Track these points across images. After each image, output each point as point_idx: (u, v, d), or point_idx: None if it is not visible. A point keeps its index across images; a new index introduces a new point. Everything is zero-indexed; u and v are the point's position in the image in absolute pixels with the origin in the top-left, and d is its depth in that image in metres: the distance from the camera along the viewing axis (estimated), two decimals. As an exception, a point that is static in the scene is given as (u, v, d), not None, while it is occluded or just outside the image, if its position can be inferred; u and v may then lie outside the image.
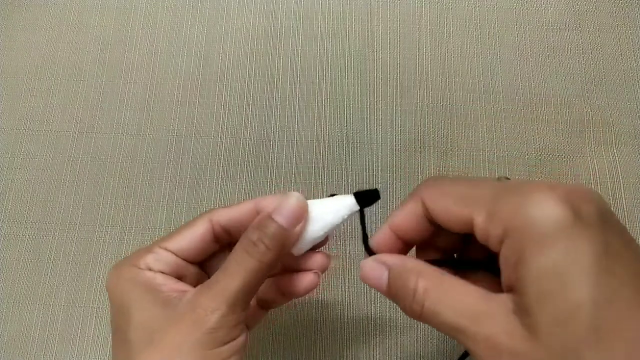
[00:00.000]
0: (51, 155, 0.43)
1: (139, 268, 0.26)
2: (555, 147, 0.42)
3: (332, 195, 0.28)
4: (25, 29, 0.47)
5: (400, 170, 0.42)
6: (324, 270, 0.29)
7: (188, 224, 0.28)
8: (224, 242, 0.29)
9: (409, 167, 0.42)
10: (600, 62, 0.44)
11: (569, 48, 0.45)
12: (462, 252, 0.27)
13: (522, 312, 0.18)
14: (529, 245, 0.18)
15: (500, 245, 0.20)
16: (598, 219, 0.18)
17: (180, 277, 0.27)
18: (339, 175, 0.42)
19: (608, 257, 0.17)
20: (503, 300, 0.19)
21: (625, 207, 0.40)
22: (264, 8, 0.47)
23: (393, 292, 0.23)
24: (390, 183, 0.42)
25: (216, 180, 0.42)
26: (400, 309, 0.23)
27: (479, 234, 0.21)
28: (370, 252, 0.26)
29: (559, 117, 0.43)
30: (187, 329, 0.23)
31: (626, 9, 0.46)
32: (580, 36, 0.45)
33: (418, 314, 0.21)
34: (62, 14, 0.48)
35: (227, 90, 0.45)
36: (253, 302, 0.30)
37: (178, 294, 0.25)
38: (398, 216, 0.25)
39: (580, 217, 0.18)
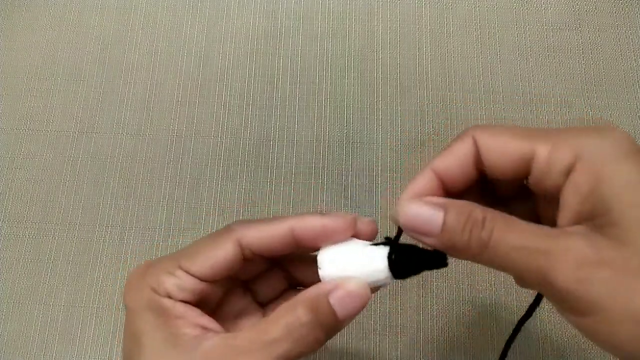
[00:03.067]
0: (51, 155, 0.43)
1: (158, 294, 0.23)
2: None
3: (386, 241, 0.23)
4: (25, 29, 0.47)
5: (400, 170, 0.42)
6: None
7: (213, 242, 0.24)
8: (254, 259, 0.25)
9: (409, 167, 0.42)
10: (600, 62, 0.44)
11: (569, 48, 0.45)
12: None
13: (607, 227, 0.18)
14: (608, 164, 0.19)
15: (566, 176, 0.20)
16: None
17: (201, 300, 0.24)
18: (339, 175, 0.42)
19: None
20: (577, 228, 0.19)
21: (625, 207, 0.40)
22: (264, 8, 0.47)
23: (454, 231, 0.20)
24: (390, 183, 0.42)
25: (216, 180, 0.42)
26: (457, 251, 0.21)
27: (541, 166, 0.20)
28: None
29: (559, 117, 0.43)
30: None
31: (626, 9, 0.46)
32: (580, 36, 0.45)
33: (485, 244, 0.20)
34: (62, 14, 0.48)
35: (227, 90, 0.45)
36: None
37: (197, 333, 0.22)
38: (444, 157, 0.23)
39: None
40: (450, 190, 0.23)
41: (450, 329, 0.38)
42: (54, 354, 0.39)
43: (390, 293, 0.39)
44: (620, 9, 0.46)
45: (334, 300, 0.22)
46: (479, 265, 0.21)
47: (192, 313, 0.23)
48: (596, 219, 0.19)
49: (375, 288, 0.24)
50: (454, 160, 0.22)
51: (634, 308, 0.17)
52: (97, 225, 0.41)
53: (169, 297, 0.23)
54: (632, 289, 0.17)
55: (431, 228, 0.21)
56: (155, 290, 0.23)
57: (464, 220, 0.20)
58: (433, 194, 0.23)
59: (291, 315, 0.21)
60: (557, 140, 0.20)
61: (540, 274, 0.19)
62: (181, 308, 0.23)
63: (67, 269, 0.40)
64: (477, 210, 0.20)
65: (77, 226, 0.41)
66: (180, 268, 0.23)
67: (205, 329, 0.22)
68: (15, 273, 0.40)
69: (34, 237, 0.41)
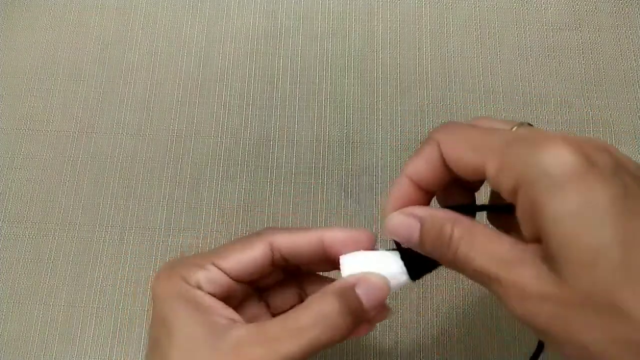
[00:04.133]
0: (51, 155, 0.43)
1: (189, 284, 0.24)
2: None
3: (396, 247, 0.25)
4: (25, 29, 0.47)
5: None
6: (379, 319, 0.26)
7: (245, 243, 0.26)
8: (279, 266, 0.27)
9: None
10: (600, 62, 0.44)
11: (569, 48, 0.45)
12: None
13: (549, 258, 0.18)
14: (543, 193, 0.18)
15: (515, 196, 0.20)
16: (614, 165, 0.18)
17: (227, 297, 0.25)
18: (339, 175, 0.42)
19: (628, 199, 0.17)
20: (533, 249, 0.19)
21: (625, 207, 0.40)
22: (264, 8, 0.47)
23: (427, 242, 0.22)
24: (391, 183, 0.42)
25: (216, 180, 0.42)
26: (438, 259, 0.23)
27: (492, 183, 0.21)
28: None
29: (559, 117, 0.43)
30: None
31: (626, 9, 0.46)
32: (580, 36, 0.45)
33: (451, 260, 0.21)
34: (62, 14, 0.48)
35: (227, 90, 0.45)
36: None
37: (227, 321, 0.23)
38: (414, 162, 0.24)
39: (595, 164, 0.18)
40: (430, 190, 0.24)
41: (450, 329, 0.38)
42: (54, 354, 0.39)
43: (391, 293, 0.39)
44: (620, 9, 0.46)
45: (360, 290, 0.24)
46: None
47: (219, 305, 0.24)
48: (543, 242, 0.19)
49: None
50: (424, 164, 0.23)
51: (577, 341, 0.17)
52: (97, 225, 0.41)
53: (199, 288, 0.24)
54: (576, 322, 0.17)
55: (411, 238, 0.23)
56: (186, 281, 0.24)
57: (435, 234, 0.22)
58: (412, 198, 0.24)
59: (322, 303, 0.23)
60: (504, 161, 0.20)
61: (498, 297, 0.20)
62: (210, 300, 0.24)
63: (67, 269, 0.40)
64: (447, 226, 0.21)
65: (77, 226, 0.41)
66: (213, 263, 0.25)
67: (232, 320, 0.23)
68: (15, 273, 0.40)
69: (34, 237, 0.41)
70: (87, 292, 0.40)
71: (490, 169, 0.20)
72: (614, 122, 0.43)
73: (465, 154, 0.22)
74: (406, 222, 0.23)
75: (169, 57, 0.46)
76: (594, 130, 0.42)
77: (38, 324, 0.39)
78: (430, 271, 0.25)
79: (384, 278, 0.24)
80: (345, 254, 0.25)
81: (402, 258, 0.25)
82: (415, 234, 0.23)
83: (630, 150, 0.42)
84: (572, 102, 0.43)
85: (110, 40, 0.47)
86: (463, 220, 0.22)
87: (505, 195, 0.20)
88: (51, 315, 0.39)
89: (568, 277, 0.17)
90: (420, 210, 0.23)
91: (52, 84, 0.46)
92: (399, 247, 0.25)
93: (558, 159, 0.18)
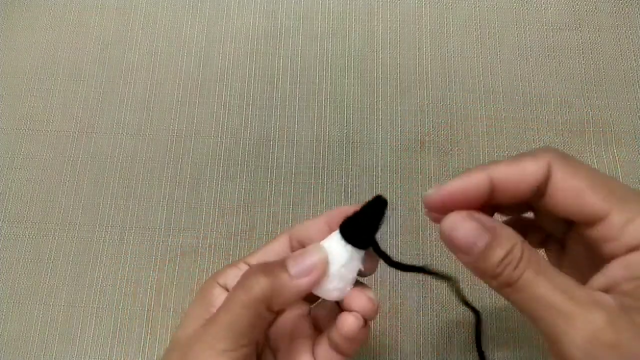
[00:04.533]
0: (51, 155, 0.43)
1: (217, 283, 0.26)
2: (555, 147, 0.42)
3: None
4: (25, 29, 0.47)
5: (400, 171, 0.42)
6: (367, 314, 0.25)
7: (271, 240, 0.28)
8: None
9: (409, 167, 0.42)
10: (600, 62, 0.44)
11: (569, 48, 0.45)
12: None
13: (636, 313, 0.18)
14: None
15: (626, 251, 0.19)
16: None
17: None
18: (339, 175, 0.42)
19: None
20: (606, 298, 0.19)
21: (625, 207, 0.40)
22: (264, 8, 0.47)
23: (492, 257, 0.20)
24: (390, 183, 0.42)
25: (216, 180, 0.42)
26: (482, 277, 0.21)
27: (609, 231, 0.20)
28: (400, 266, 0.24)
29: (559, 117, 0.43)
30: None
31: (626, 9, 0.46)
32: (580, 36, 0.45)
33: (512, 283, 0.20)
34: (62, 14, 0.48)
35: (227, 90, 0.45)
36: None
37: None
38: (510, 168, 0.22)
39: None
40: (497, 202, 0.22)
41: (450, 329, 0.38)
42: (54, 354, 0.39)
43: (391, 293, 0.39)
44: (620, 9, 0.46)
45: (289, 260, 0.24)
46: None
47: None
48: (630, 299, 0.18)
49: (361, 275, 0.25)
50: (519, 175, 0.21)
51: None
52: (97, 225, 0.41)
53: (225, 287, 0.26)
54: None
55: (471, 248, 0.21)
56: (217, 280, 0.26)
57: (504, 253, 0.20)
58: (476, 199, 0.22)
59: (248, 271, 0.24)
60: (637, 215, 0.19)
61: (553, 331, 0.19)
62: (222, 296, 0.25)
63: (67, 269, 0.40)
64: (518, 247, 0.20)
65: (77, 226, 0.41)
66: (243, 262, 0.27)
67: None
68: (15, 273, 0.40)
69: (34, 237, 0.41)
70: (87, 292, 0.40)
71: (617, 218, 0.20)
72: (614, 122, 0.43)
73: (587, 193, 0.20)
74: (475, 229, 0.21)
75: (169, 57, 0.46)
76: (594, 130, 0.42)
77: (38, 324, 0.39)
78: (370, 231, 0.24)
79: (317, 246, 0.24)
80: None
81: (341, 232, 0.24)
82: (481, 244, 0.20)
83: (630, 150, 0.42)
84: (572, 102, 0.43)
85: (110, 40, 0.47)
86: (529, 246, 0.20)
87: (618, 245, 0.19)
88: (51, 315, 0.39)
89: None
90: (490, 221, 0.21)
91: (52, 84, 0.46)
92: (340, 227, 0.24)
93: None
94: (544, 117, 0.43)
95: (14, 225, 0.42)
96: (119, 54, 0.46)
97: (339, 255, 0.24)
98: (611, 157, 0.42)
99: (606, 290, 0.19)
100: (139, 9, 0.48)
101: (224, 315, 0.23)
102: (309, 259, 0.24)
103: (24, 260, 0.41)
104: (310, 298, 0.27)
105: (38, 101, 0.45)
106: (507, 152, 0.42)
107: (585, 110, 0.43)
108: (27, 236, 0.41)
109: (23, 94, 0.45)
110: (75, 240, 0.41)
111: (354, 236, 0.24)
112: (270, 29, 0.47)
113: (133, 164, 0.43)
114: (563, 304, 0.19)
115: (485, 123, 0.43)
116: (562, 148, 0.42)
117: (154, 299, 0.40)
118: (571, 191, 0.21)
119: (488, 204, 0.22)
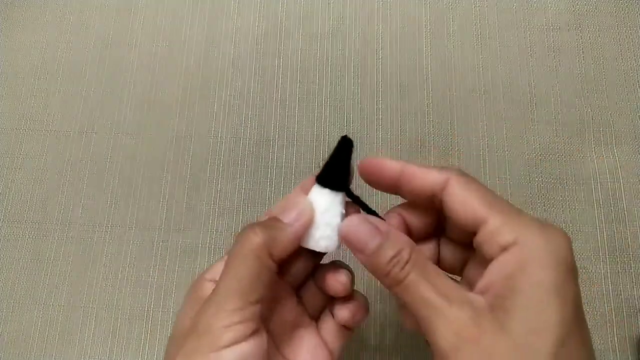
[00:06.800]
0: (51, 155, 0.43)
1: (206, 279, 0.27)
2: (555, 147, 0.42)
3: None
4: (25, 29, 0.47)
5: (400, 170, 0.42)
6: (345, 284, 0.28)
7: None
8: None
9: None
10: (600, 62, 0.44)
11: (569, 48, 0.45)
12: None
13: (500, 312, 0.20)
14: (535, 262, 0.20)
15: (500, 252, 0.21)
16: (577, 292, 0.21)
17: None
18: (339, 175, 0.42)
19: (578, 310, 0.21)
20: (478, 298, 0.22)
21: (625, 207, 0.40)
22: (264, 8, 0.47)
23: (381, 257, 0.23)
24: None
25: (216, 180, 0.42)
26: (375, 274, 0.24)
27: (485, 233, 0.22)
28: (369, 210, 0.27)
29: (559, 117, 0.43)
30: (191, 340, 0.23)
31: (626, 9, 0.46)
32: (580, 36, 0.45)
33: (399, 281, 0.23)
34: (62, 14, 0.48)
35: (227, 90, 0.45)
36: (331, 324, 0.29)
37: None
38: (423, 171, 0.25)
39: (575, 273, 0.21)
40: (399, 191, 0.26)
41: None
42: (54, 354, 0.39)
43: (391, 293, 0.39)
44: (620, 9, 0.46)
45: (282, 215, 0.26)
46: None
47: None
48: (498, 298, 0.21)
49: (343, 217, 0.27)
50: (422, 177, 0.25)
51: None
52: (97, 225, 0.41)
53: (213, 281, 0.26)
54: None
55: (364, 247, 0.24)
56: (204, 276, 0.27)
57: (393, 254, 0.23)
58: (389, 178, 0.26)
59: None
60: (512, 220, 0.22)
61: (430, 326, 0.21)
62: (209, 289, 0.25)
63: (67, 269, 0.40)
64: (407, 250, 0.23)
65: (77, 226, 0.41)
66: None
67: None
68: (15, 273, 0.40)
69: (33, 237, 0.41)
70: (87, 292, 0.40)
71: (493, 221, 0.22)
72: (614, 122, 0.43)
73: (471, 200, 0.23)
74: (369, 230, 0.24)
75: (169, 57, 0.46)
76: (594, 130, 0.42)
77: (38, 324, 0.39)
78: (340, 170, 0.26)
79: (300, 197, 0.27)
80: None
81: (317, 181, 0.27)
82: (372, 245, 0.24)
83: (630, 150, 0.42)
84: (572, 102, 0.43)
85: (110, 40, 0.47)
86: (418, 249, 0.24)
87: (493, 247, 0.22)
88: (51, 315, 0.39)
89: (510, 331, 0.20)
90: (385, 226, 0.24)
91: (52, 84, 0.46)
92: (316, 178, 0.27)
93: (556, 245, 0.21)
94: (544, 117, 0.43)
95: (14, 225, 0.42)
96: (119, 54, 0.46)
97: (320, 201, 0.26)
98: (611, 157, 0.42)
99: (484, 291, 0.22)
100: (139, 9, 0.48)
101: (228, 273, 0.24)
102: (296, 207, 0.26)
103: (23, 260, 0.41)
104: (296, 282, 0.28)
105: (38, 101, 0.45)
106: (506, 152, 0.42)
107: (585, 110, 0.43)
108: (27, 236, 0.41)
109: (23, 94, 0.45)
110: (75, 240, 0.41)
111: (328, 179, 0.26)
112: (270, 29, 0.47)
113: (133, 164, 0.43)
114: (437, 302, 0.21)
115: (485, 123, 0.43)
116: (562, 148, 0.42)
117: (154, 299, 0.40)
118: (460, 198, 0.24)
119: (397, 190, 0.26)
